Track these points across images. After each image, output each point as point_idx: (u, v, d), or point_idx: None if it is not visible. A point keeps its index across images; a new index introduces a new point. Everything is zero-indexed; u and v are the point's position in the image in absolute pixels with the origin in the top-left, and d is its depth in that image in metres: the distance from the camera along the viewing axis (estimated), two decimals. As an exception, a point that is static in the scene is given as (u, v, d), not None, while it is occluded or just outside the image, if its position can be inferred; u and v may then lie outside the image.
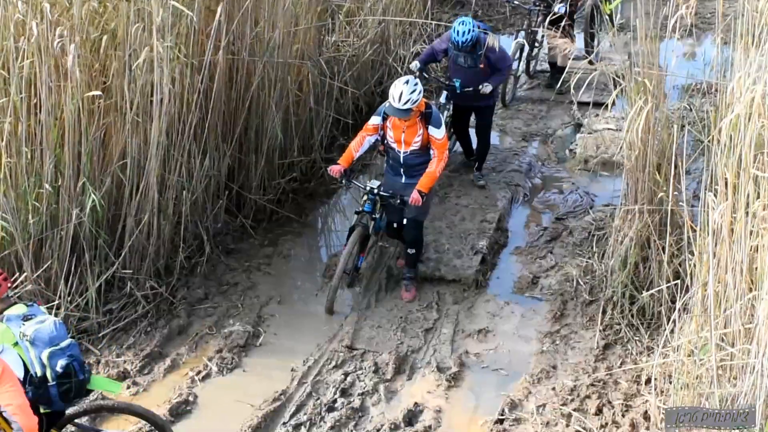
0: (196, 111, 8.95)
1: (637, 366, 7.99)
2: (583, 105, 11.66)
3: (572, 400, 7.81)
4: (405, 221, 8.85)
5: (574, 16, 12.58)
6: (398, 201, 8.67)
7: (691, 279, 7.17)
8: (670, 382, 7.02)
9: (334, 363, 8.27)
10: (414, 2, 13.56)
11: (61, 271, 8.21)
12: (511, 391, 8.03)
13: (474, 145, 11.12)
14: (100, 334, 8.36)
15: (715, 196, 6.59)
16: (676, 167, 7.77)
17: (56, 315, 8.04)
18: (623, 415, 7.59)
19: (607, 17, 11.60)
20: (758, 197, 6.13)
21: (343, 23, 12.41)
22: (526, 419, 7.69)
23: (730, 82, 7.00)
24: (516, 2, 12.88)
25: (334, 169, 8.77)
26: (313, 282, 9.47)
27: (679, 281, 7.56)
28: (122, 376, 8.01)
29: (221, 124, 9.58)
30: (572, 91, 9.11)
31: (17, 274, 8.05)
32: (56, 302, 8.12)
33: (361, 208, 8.84)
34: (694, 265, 7.10)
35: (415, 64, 10.50)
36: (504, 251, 10.02)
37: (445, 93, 10.78)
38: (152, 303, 8.75)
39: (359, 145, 8.88)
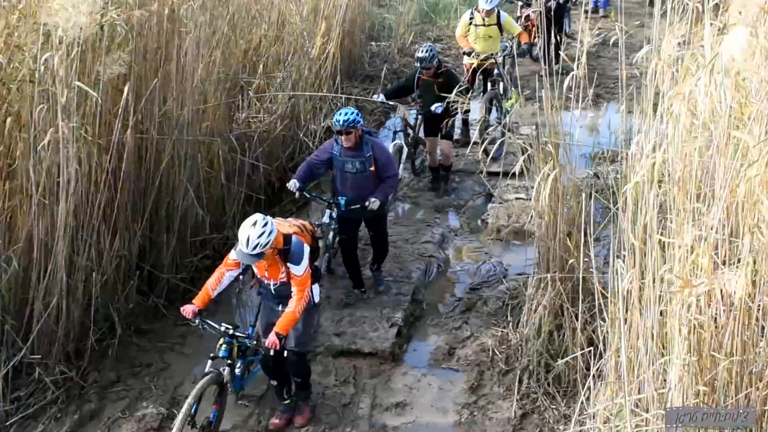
0: (104, 191, 8.83)
1: (555, 434, 8.00)
2: (493, 175, 11.82)
3: (492, 471, 7.78)
4: (285, 353, 7.93)
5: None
6: (254, 342, 7.93)
7: (605, 345, 7.21)
8: (588, 450, 7.03)
9: (251, 443, 8.13)
10: (324, 77, 13.72)
11: (-35, 359, 7.98)
12: (430, 465, 7.97)
13: (372, 254, 10.44)
14: (8, 423, 8.08)
15: (624, 262, 6.67)
16: (585, 235, 7.87)
17: (-39, 405, 7.84)
18: (543, 485, 7.59)
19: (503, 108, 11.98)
20: (665, 262, 6.22)
21: (253, 99, 12.47)
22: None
23: (630, 148, 7.16)
24: (391, 104, 12.56)
25: (187, 310, 7.78)
26: (228, 360, 9.36)
27: (593, 348, 7.60)
28: (32, 466, 7.77)
29: (131, 203, 9.47)
30: (482, 160, 9.22)
31: None
32: (-39, 391, 7.89)
33: (215, 354, 7.85)
34: (607, 332, 7.15)
35: (294, 184, 9.67)
36: (420, 323, 10.01)
37: (327, 212, 10.09)
38: (62, 388, 8.50)
39: (217, 282, 7.89)
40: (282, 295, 7.93)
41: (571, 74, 7.96)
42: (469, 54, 13.46)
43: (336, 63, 14.13)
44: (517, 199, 11.87)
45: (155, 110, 9.61)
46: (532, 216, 9.07)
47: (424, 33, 19.17)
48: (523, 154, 8.82)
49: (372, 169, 9.57)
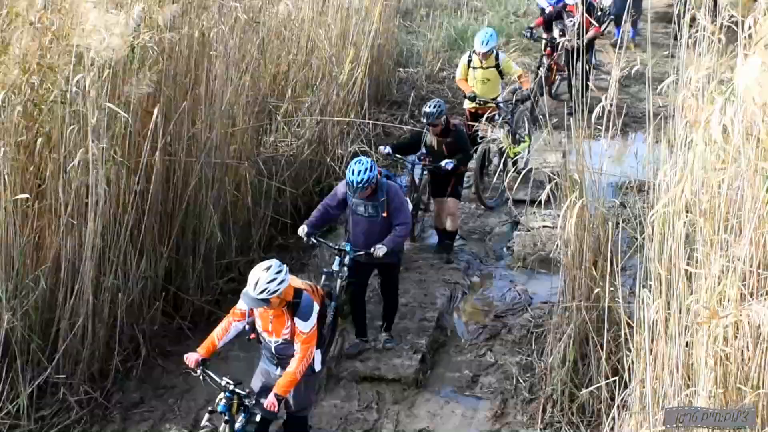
0: (132, 212, 8.89)
1: (578, 465, 7.95)
2: (519, 203, 11.82)
3: (514, 500, 7.74)
4: (286, 417, 7.73)
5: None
6: (253, 402, 7.38)
7: (630, 375, 7.18)
8: (611, 481, 6.98)
9: (272, 467, 8.11)
10: (351, 102, 13.72)
11: (-9, 377, 8.02)
12: (452, 492, 7.93)
13: (382, 307, 9.93)
14: (32, 442, 8.15)
15: (650, 292, 6.64)
16: (611, 264, 7.84)
17: (-15, 423, 7.87)
18: None
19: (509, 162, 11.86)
20: (691, 293, 6.19)
21: (281, 123, 12.51)
22: None
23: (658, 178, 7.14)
24: (397, 157, 11.88)
25: (190, 359, 7.43)
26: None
27: (617, 378, 7.56)
28: (54, 486, 7.78)
29: (158, 225, 9.51)
30: (507, 187, 9.20)
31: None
32: (-14, 409, 7.92)
33: (214, 408, 7.40)
34: (632, 362, 7.11)
35: (302, 229, 9.33)
36: (444, 349, 9.98)
37: (338, 259, 9.52)
38: (86, 408, 8.54)
39: (224, 332, 7.55)
40: (282, 355, 7.58)
41: (599, 105, 7.95)
42: (471, 98, 13.13)
43: (364, 88, 14.12)
44: (543, 226, 11.84)
45: (184, 133, 9.67)
46: (558, 244, 9.05)
47: (452, 60, 19.14)
48: (549, 182, 8.81)
49: (384, 214, 9.22)
